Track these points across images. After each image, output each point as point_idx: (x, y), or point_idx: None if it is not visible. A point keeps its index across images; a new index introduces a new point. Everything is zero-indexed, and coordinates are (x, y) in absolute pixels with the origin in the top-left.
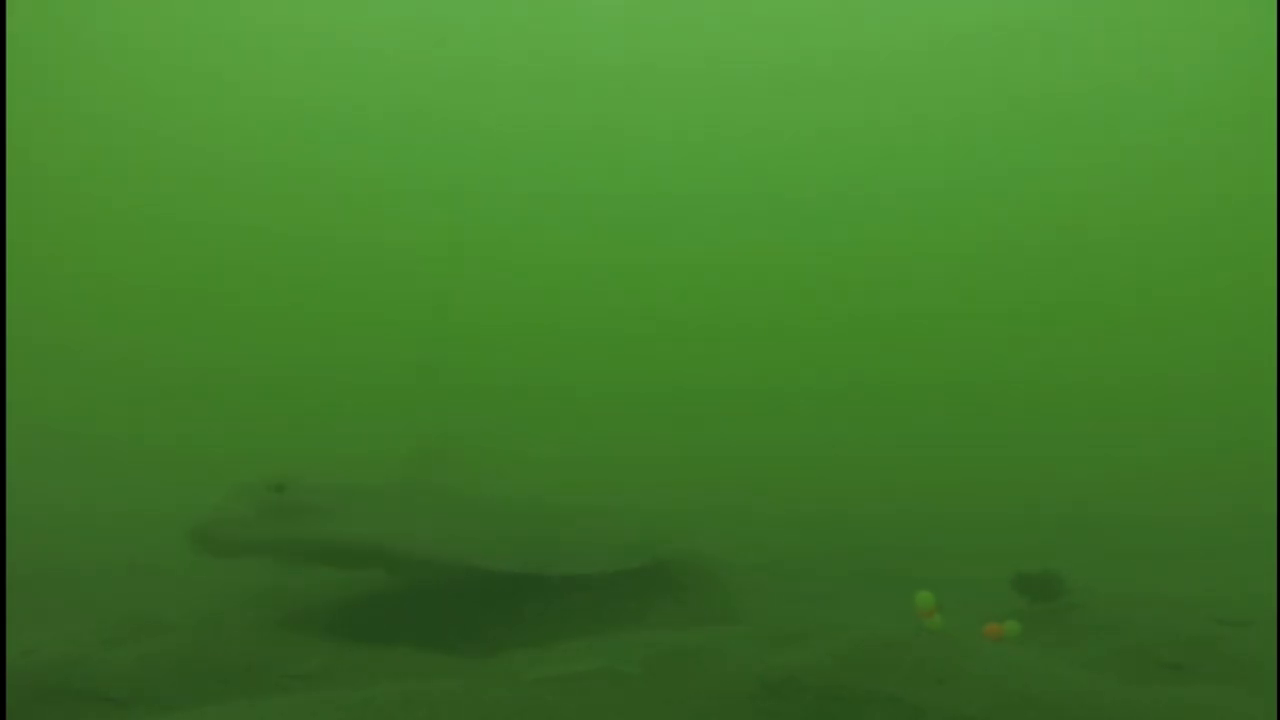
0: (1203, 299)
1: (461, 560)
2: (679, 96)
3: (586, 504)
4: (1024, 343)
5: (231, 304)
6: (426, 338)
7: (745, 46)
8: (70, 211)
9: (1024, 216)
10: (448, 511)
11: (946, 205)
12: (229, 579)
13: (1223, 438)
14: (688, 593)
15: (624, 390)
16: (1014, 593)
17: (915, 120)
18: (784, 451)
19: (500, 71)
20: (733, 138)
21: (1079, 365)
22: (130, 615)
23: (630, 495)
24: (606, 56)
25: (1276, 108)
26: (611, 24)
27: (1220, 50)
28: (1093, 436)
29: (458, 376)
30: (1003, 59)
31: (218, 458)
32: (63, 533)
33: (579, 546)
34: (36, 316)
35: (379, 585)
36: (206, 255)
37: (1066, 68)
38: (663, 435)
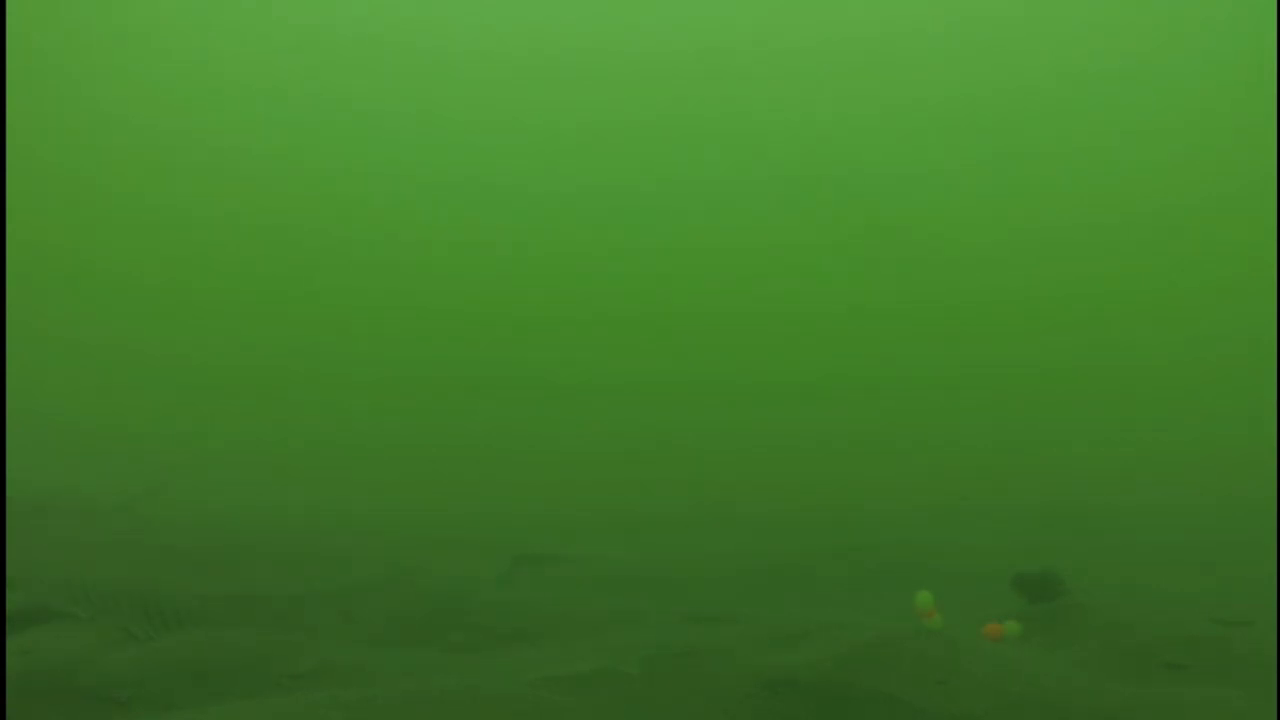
0: (1202, 297)
1: None
2: (676, 90)
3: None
4: (1023, 339)
5: (231, 297)
6: (426, 332)
7: (742, 38)
8: (70, 205)
9: (1023, 212)
10: None
11: (944, 200)
12: (227, 574)
13: (1222, 436)
14: (688, 593)
15: (621, 386)
16: (1014, 593)
17: (918, 113)
18: (784, 450)
19: (497, 68)
20: (731, 131)
21: (1080, 362)
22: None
23: (624, 494)
24: (610, 51)
25: (1276, 105)
26: (614, 18)
27: (1221, 46)
28: (1093, 434)
29: (457, 369)
30: (1006, 51)
31: (220, 447)
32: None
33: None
34: (36, 307)
35: (377, 585)
36: (207, 249)
37: (1069, 59)
38: (658, 434)
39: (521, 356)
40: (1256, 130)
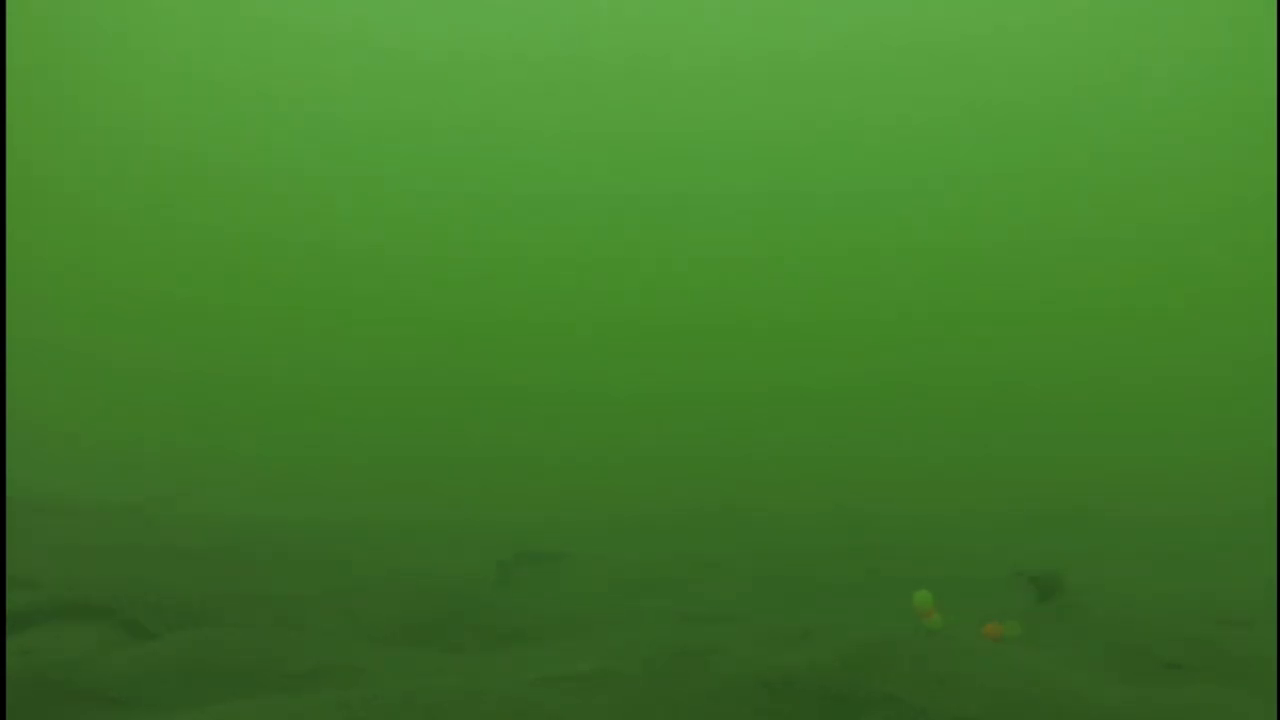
0: (1203, 302)
1: None
2: (678, 98)
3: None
4: (1024, 344)
5: (232, 309)
6: (429, 340)
7: (748, 46)
8: (70, 217)
9: (1025, 219)
10: None
11: (948, 207)
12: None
13: (1223, 439)
14: (688, 593)
15: (621, 392)
16: (1014, 593)
17: (920, 122)
18: (784, 451)
19: (502, 74)
20: (735, 138)
21: (1080, 367)
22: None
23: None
24: (609, 57)
25: (1276, 109)
26: (614, 25)
27: (1220, 52)
28: (1094, 437)
29: (460, 379)
30: (1008, 60)
31: (222, 450)
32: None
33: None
34: (35, 319)
35: (377, 585)
36: (207, 260)
37: (1069, 69)
38: (660, 436)
39: (522, 362)
40: (1256, 140)
